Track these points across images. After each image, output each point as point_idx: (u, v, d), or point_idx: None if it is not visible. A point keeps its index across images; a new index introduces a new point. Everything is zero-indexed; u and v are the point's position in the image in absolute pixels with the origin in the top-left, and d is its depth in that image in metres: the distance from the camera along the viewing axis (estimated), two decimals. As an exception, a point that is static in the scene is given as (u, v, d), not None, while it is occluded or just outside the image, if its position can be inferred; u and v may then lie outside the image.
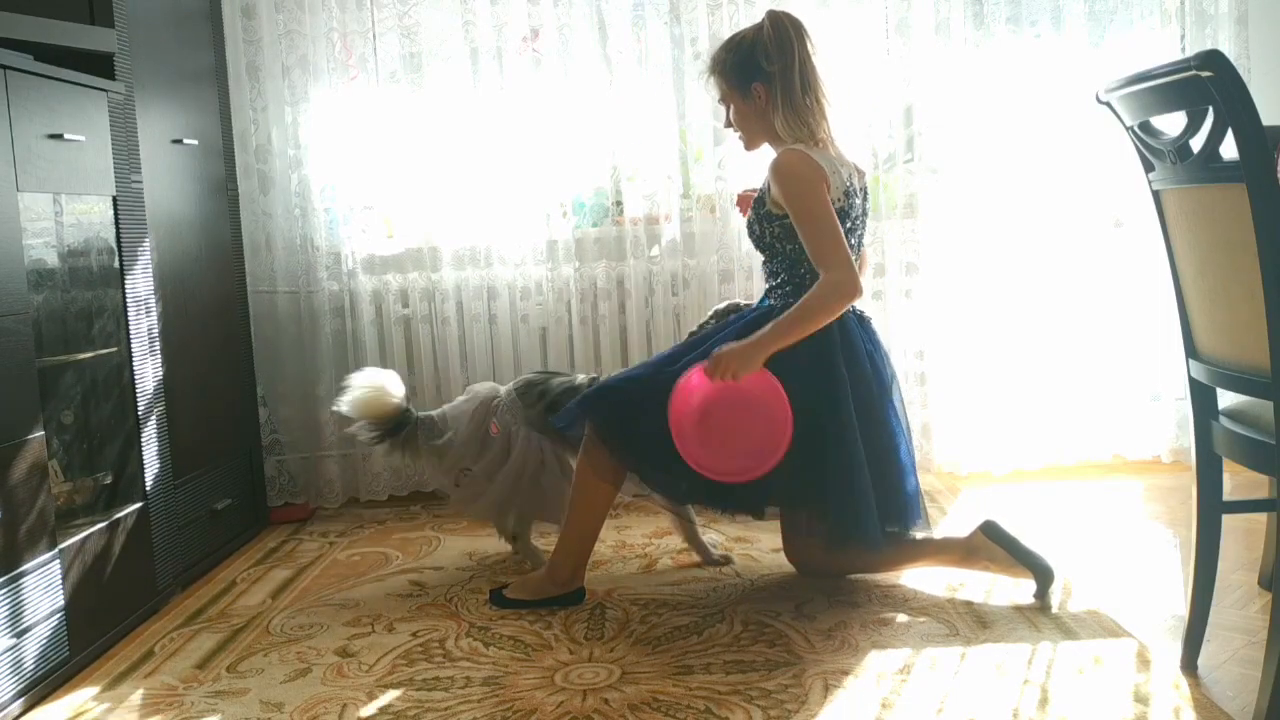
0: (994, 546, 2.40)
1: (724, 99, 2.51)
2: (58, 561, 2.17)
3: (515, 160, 3.35)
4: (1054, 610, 2.28)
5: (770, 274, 2.50)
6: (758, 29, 2.43)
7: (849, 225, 2.39)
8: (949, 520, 2.95)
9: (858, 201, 2.44)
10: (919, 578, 2.51)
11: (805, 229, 2.33)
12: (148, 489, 2.57)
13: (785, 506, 2.48)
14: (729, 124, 2.54)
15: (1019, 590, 2.39)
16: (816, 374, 2.32)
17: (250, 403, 3.33)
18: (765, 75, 2.40)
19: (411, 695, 2.03)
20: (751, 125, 2.48)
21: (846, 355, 2.35)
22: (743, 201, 2.81)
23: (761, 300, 2.53)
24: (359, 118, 3.37)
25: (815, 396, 2.31)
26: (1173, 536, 2.79)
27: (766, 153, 2.55)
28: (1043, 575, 2.35)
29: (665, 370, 2.41)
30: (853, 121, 3.27)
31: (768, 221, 2.43)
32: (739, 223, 3.23)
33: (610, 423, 2.39)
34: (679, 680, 2.02)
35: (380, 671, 2.15)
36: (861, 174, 2.50)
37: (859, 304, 2.45)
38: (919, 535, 2.46)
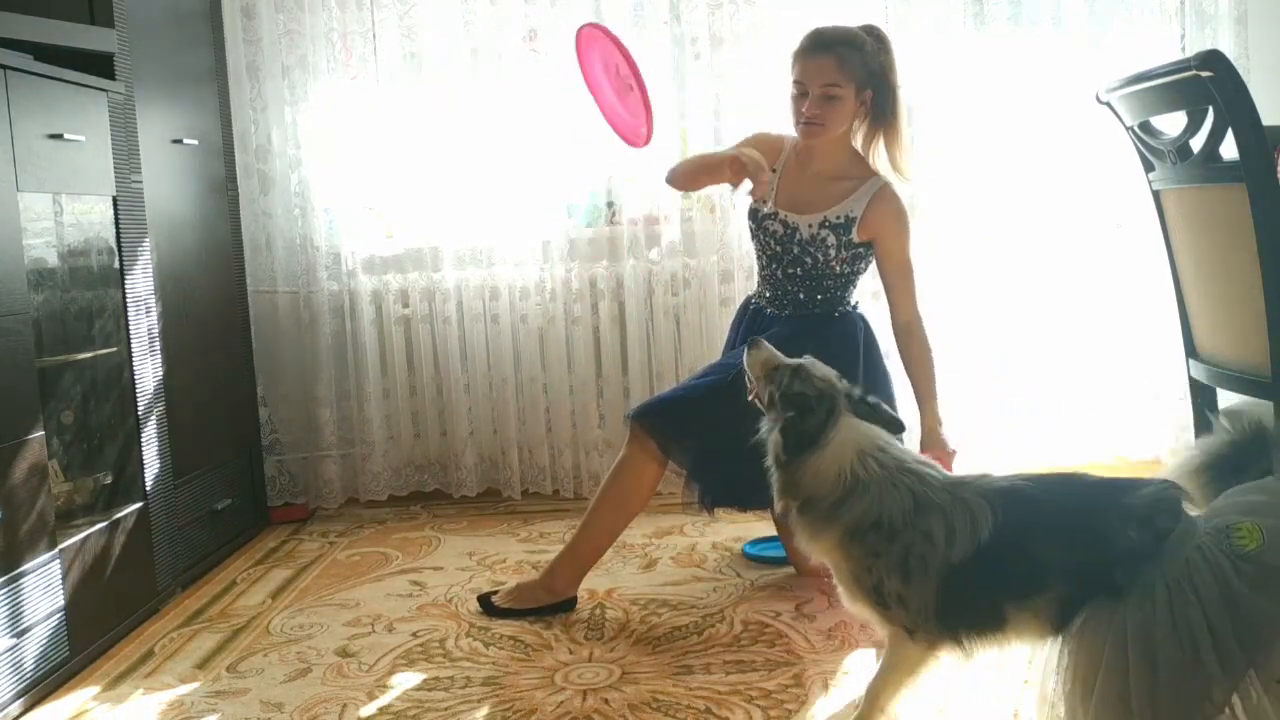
0: None
1: (831, 84, 2.37)
2: (58, 561, 2.17)
3: (515, 160, 3.35)
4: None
5: (806, 290, 2.49)
6: (878, 42, 2.43)
7: None
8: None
9: None
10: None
11: (904, 272, 2.47)
12: (148, 489, 2.56)
13: None
14: (816, 109, 2.38)
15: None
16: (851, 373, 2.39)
17: (250, 403, 3.33)
18: (885, 88, 2.43)
19: (411, 695, 2.03)
20: (844, 124, 2.45)
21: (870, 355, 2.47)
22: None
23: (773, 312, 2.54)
24: (359, 118, 3.37)
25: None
26: (1173, 536, 2.78)
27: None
28: None
29: (717, 381, 2.43)
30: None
31: (847, 249, 2.45)
32: (739, 223, 3.22)
33: (662, 420, 2.38)
34: (679, 680, 2.02)
35: (380, 671, 2.15)
36: None
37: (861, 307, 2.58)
38: None
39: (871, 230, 2.42)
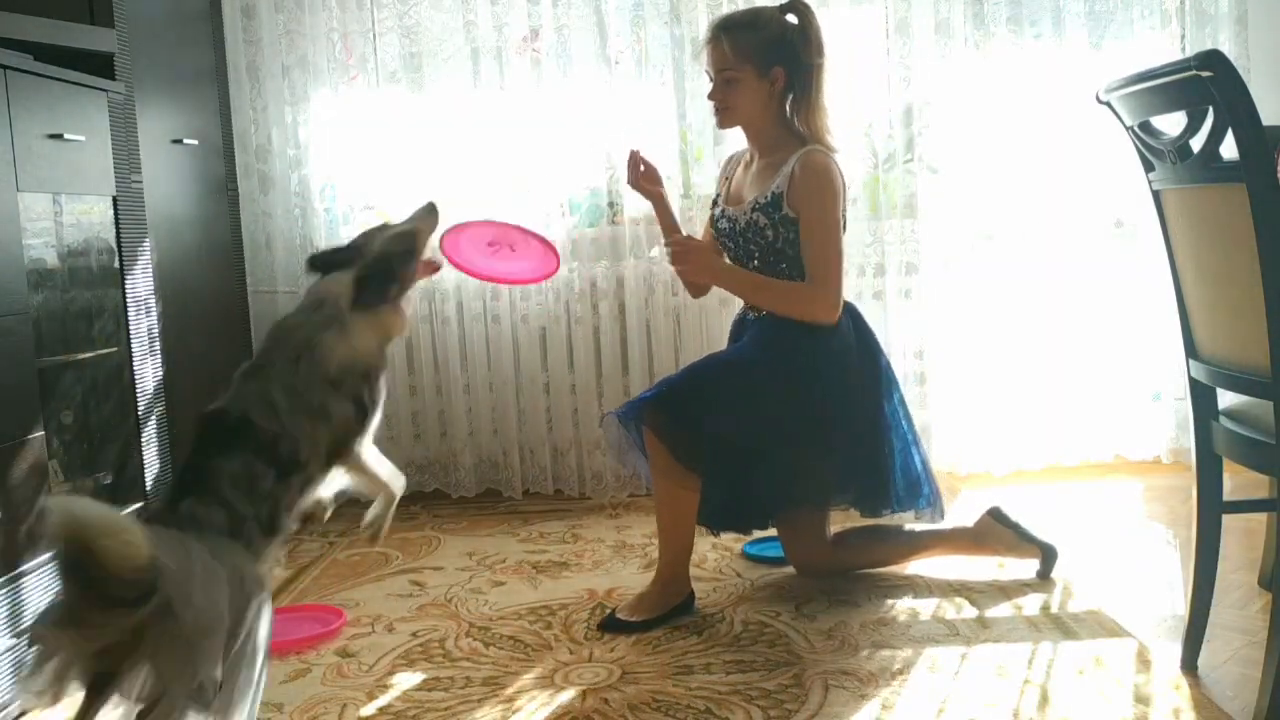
0: (1002, 529, 2.49)
1: (726, 69, 2.38)
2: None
3: (515, 160, 3.35)
4: (1054, 609, 2.28)
5: None
6: (781, 15, 2.40)
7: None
8: (950, 519, 2.95)
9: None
10: (921, 578, 2.51)
11: (818, 239, 2.31)
12: (148, 489, 2.56)
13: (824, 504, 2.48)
14: (718, 95, 2.41)
15: (1018, 590, 2.40)
16: (859, 368, 2.40)
17: (250, 403, 3.33)
18: (799, 64, 2.37)
19: (411, 695, 2.03)
20: (754, 105, 2.39)
21: (868, 347, 2.44)
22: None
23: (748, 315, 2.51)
24: (359, 118, 3.37)
25: (849, 390, 2.37)
26: (1173, 536, 2.78)
27: (737, 134, 2.54)
28: (1048, 553, 2.46)
29: (728, 365, 2.41)
30: (853, 121, 3.27)
31: (784, 226, 2.35)
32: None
33: (671, 421, 2.27)
34: (679, 680, 2.02)
35: (380, 671, 2.15)
36: None
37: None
38: (921, 526, 2.50)
39: (794, 200, 2.33)
